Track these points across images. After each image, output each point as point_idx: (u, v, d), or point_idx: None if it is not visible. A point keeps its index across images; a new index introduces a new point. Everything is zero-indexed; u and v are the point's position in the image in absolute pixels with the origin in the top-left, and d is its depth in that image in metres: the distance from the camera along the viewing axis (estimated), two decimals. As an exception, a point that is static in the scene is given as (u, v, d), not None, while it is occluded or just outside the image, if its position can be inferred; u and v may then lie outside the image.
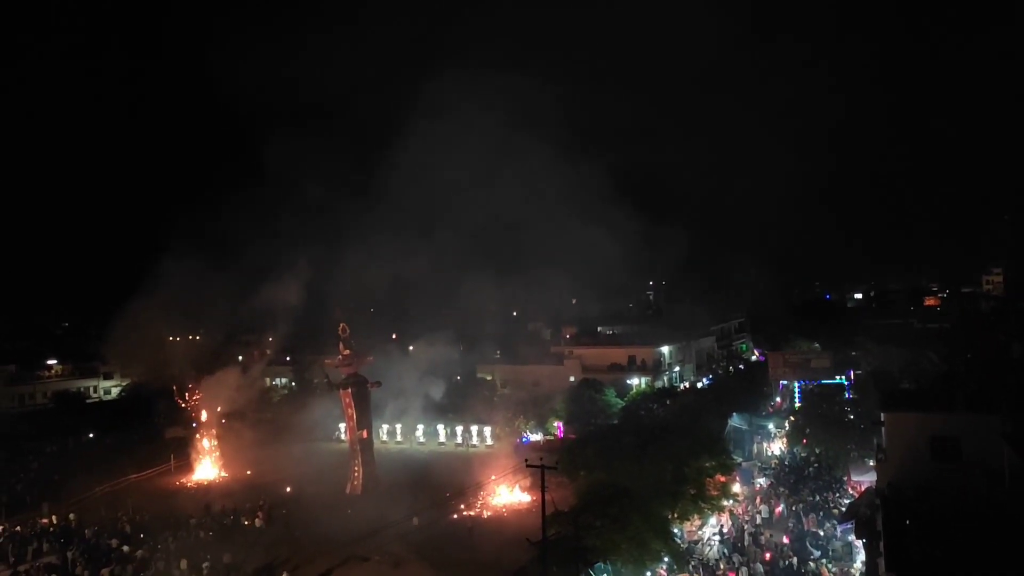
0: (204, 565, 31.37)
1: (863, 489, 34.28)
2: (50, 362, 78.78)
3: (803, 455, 43.92)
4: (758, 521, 34.53)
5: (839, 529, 31.86)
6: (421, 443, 54.37)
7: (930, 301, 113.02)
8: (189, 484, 47.41)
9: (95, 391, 77.53)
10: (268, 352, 79.38)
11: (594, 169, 74.47)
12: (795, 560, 29.78)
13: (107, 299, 58.38)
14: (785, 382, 58.83)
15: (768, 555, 30.58)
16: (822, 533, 32.32)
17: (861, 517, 27.42)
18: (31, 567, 33.09)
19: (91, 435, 59.88)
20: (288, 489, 41.69)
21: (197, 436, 50.63)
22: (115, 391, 76.46)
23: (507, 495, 39.65)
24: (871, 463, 34.00)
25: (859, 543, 28.08)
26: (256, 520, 37.51)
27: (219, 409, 52.02)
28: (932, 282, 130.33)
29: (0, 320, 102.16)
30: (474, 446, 51.96)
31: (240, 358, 64.00)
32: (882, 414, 28.10)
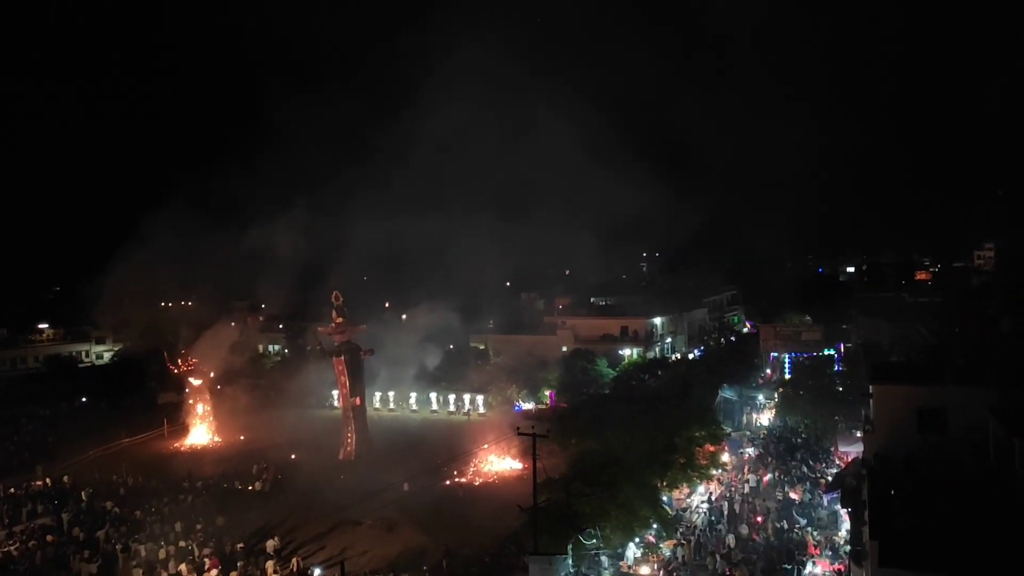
0: (197, 528, 31.72)
1: (850, 459, 34.76)
2: (41, 326, 78.54)
3: (791, 426, 44.47)
4: (745, 490, 35.05)
5: (825, 498, 32.38)
6: (414, 411, 54.69)
7: (921, 275, 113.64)
8: (183, 448, 47.66)
9: (87, 356, 77.49)
10: (261, 318, 79.49)
11: (589, 135, 74.04)
12: (784, 523, 30.40)
13: (98, 264, 57.94)
14: (776, 354, 59.31)
15: (759, 518, 31.17)
16: (808, 501, 32.85)
17: (847, 487, 27.85)
18: (26, 528, 33.40)
19: (84, 399, 60.04)
20: (293, 456, 41.92)
21: (190, 401, 50.77)
22: (107, 356, 76.45)
23: (499, 463, 40.05)
24: (858, 434, 34.45)
25: (844, 512, 28.58)
26: (257, 484, 37.86)
27: (212, 375, 52.13)
28: (924, 257, 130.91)
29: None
30: (466, 414, 52.32)
31: (232, 324, 63.98)
32: (870, 386, 28.39)
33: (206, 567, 28.01)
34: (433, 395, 54.53)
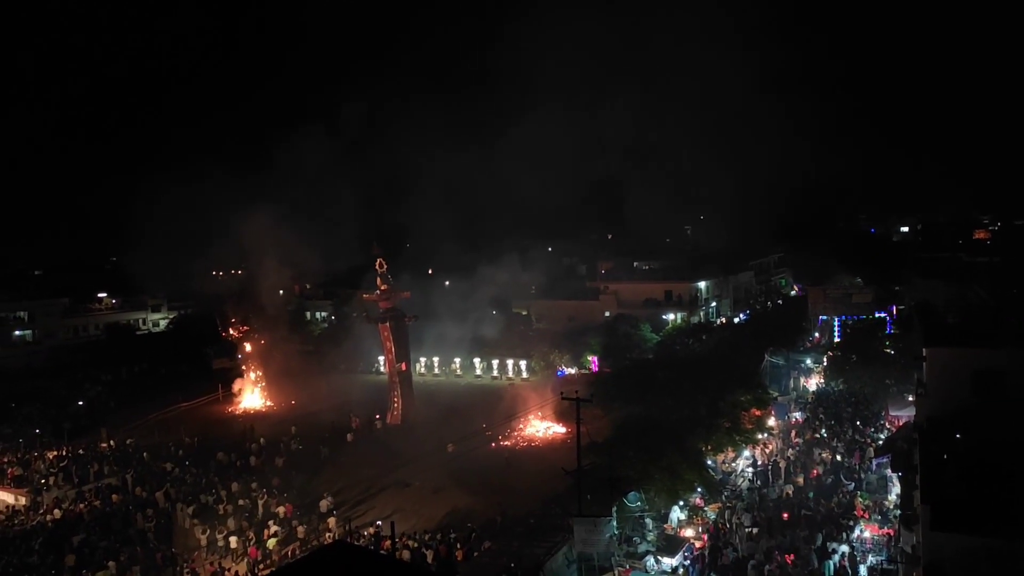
0: (252, 486, 32.97)
1: (901, 423, 34.07)
2: (100, 295, 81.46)
3: (840, 389, 43.67)
4: (790, 455, 34.69)
5: (874, 463, 31.88)
6: (458, 376, 55.42)
7: (980, 234, 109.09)
8: (238, 412, 49.33)
9: (144, 323, 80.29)
10: (308, 286, 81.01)
11: (632, 100, 72.61)
12: (830, 479, 30.18)
13: (153, 233, 59.61)
14: (825, 317, 58.04)
15: (800, 480, 31.00)
16: (857, 465, 32.41)
17: (898, 451, 27.33)
18: (94, 487, 35.17)
19: (143, 365, 62.38)
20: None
21: (243, 367, 52.34)
22: (163, 323, 79.10)
23: (542, 427, 40.43)
24: (910, 398, 33.65)
25: (894, 476, 28.11)
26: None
27: (262, 341, 53.55)
28: (984, 215, 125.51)
29: (48, 255, 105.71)
30: (510, 379, 52.80)
31: (281, 292, 65.41)
32: (924, 349, 27.62)
33: (280, 515, 29.49)
34: (477, 360, 55.10)
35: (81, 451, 40.58)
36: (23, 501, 33.92)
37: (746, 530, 26.39)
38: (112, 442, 41.90)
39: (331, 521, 28.94)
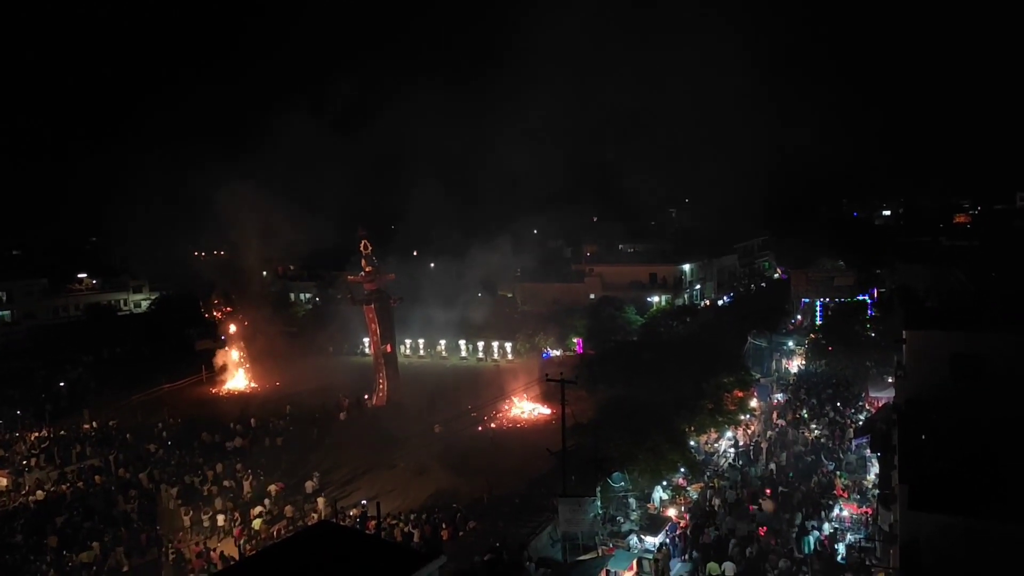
0: (237, 466, 32.94)
1: (880, 405, 34.59)
2: (80, 275, 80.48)
3: (821, 371, 44.22)
4: (769, 435, 35.14)
5: (854, 443, 32.38)
6: (444, 358, 55.45)
7: (960, 218, 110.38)
8: (222, 393, 49.09)
9: (125, 304, 79.47)
10: (292, 267, 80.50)
11: (625, 81, 72.21)
12: (810, 459, 30.70)
13: (133, 215, 58.87)
14: (807, 300, 58.63)
15: (784, 456, 31.50)
16: (836, 446, 32.90)
17: (877, 432, 27.75)
18: (76, 468, 34.95)
19: (125, 347, 61.81)
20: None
21: (226, 348, 52.01)
22: (144, 304, 78.34)
23: (528, 408, 40.62)
24: (890, 380, 34.15)
25: (873, 457, 28.57)
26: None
27: (246, 323, 53.22)
28: (964, 199, 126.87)
29: (28, 236, 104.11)
30: (495, 361, 52.92)
31: (264, 273, 64.89)
32: (904, 331, 27.98)
33: (272, 493, 29.63)
34: (462, 342, 55.13)
35: (63, 432, 40.24)
36: (4, 482, 33.65)
37: (729, 503, 26.84)
38: (95, 423, 41.61)
39: (320, 501, 29.03)
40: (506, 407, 41.00)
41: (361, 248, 44.96)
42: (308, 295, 76.60)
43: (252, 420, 39.84)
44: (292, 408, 41.59)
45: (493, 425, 38.57)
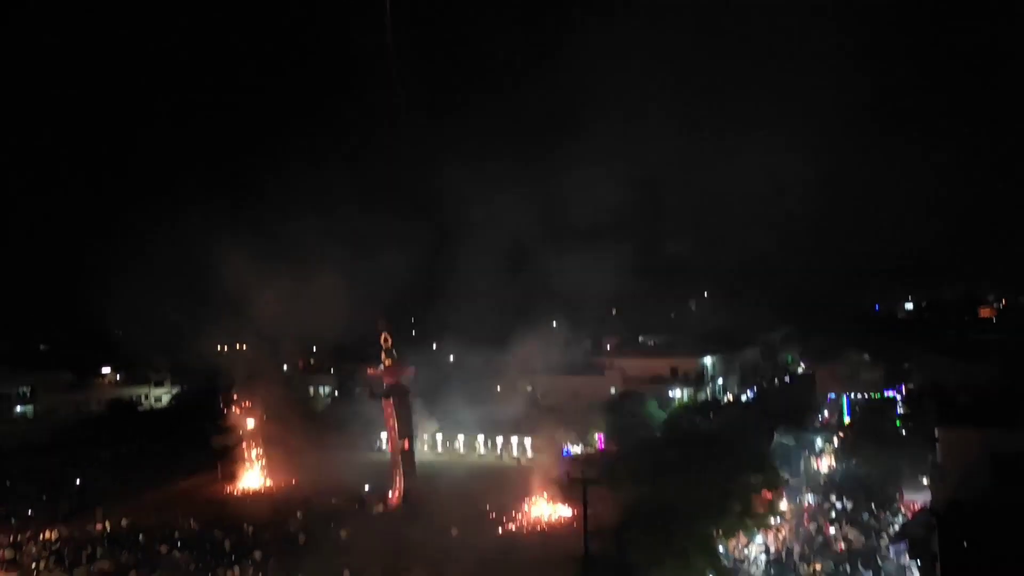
0: (249, 571, 31.94)
1: (916, 508, 33.14)
2: (104, 370, 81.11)
3: (852, 472, 42.68)
4: (804, 541, 33.58)
5: (891, 550, 30.87)
6: (462, 454, 54.45)
7: (986, 312, 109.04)
8: (236, 492, 48.26)
9: (146, 398, 79.63)
10: (312, 360, 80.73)
11: (636, 173, 73.58)
12: (847, 567, 29.17)
13: (158, 308, 59.81)
14: (833, 395, 57.38)
15: (818, 566, 29.90)
16: (873, 552, 31.32)
17: (915, 537, 26.51)
18: (86, 572, 34.08)
19: (143, 443, 61.40)
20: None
21: (244, 445, 51.56)
22: (165, 398, 78.44)
23: (548, 509, 39.41)
24: (925, 481, 32.84)
25: (913, 564, 27.14)
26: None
27: (264, 418, 52.92)
28: (987, 292, 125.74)
29: (56, 328, 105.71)
30: (516, 458, 51.82)
31: (284, 367, 65.01)
32: (936, 429, 27.14)
33: None
34: (481, 438, 54.24)
35: (76, 533, 39.52)
36: (12, 586, 32.86)
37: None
38: (107, 523, 40.88)
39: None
40: (526, 508, 39.81)
41: (381, 341, 45.06)
42: (327, 388, 76.34)
43: (266, 525, 38.77)
44: (308, 509, 40.62)
45: (513, 527, 37.32)
